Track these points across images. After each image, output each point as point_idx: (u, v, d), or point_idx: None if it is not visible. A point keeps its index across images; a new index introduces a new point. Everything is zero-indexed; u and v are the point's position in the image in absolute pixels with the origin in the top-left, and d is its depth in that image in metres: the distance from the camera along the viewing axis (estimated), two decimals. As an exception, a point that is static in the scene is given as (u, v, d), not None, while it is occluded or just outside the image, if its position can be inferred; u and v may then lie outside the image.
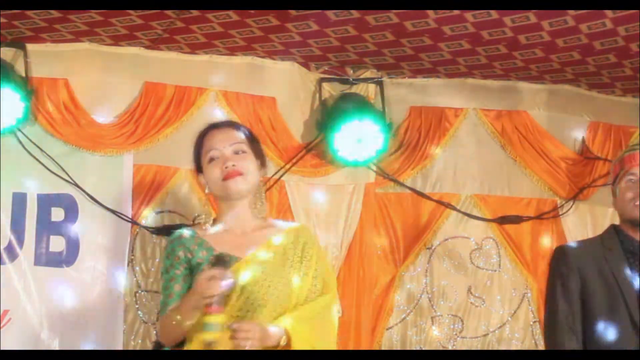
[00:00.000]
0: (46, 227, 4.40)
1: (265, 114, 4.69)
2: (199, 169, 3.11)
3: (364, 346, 4.72)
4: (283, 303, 2.93)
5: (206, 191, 3.08)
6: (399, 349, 4.84)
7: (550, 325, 3.30)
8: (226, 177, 2.97)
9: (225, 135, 3.06)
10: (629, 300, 3.17)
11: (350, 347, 4.64)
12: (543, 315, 3.47)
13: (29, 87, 4.32)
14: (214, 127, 3.13)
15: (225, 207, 3.05)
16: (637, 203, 3.25)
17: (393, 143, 4.86)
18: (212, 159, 3.01)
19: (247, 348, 2.74)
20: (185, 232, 3.03)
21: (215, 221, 3.08)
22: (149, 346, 4.43)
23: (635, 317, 3.16)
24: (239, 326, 2.78)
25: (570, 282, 3.26)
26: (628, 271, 3.21)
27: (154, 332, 4.47)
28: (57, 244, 4.41)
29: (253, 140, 3.12)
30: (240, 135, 3.08)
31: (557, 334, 3.26)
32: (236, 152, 3.02)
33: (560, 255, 3.36)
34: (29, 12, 4.10)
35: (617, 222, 3.51)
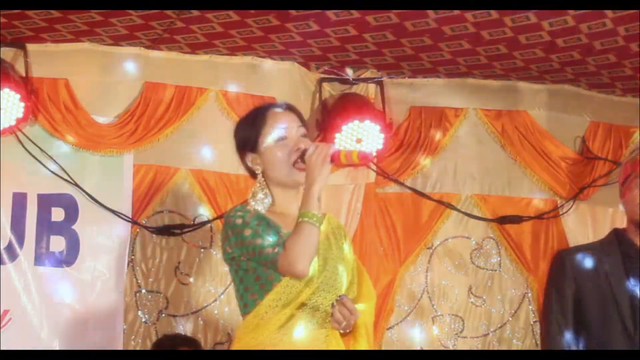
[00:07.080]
0: (46, 227, 4.40)
1: (265, 114, 4.67)
2: (251, 148, 2.91)
3: (364, 346, 4.71)
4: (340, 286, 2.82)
5: (258, 171, 2.88)
6: (399, 349, 4.83)
7: (545, 329, 3.32)
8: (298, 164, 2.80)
9: (293, 116, 2.93)
10: (622, 306, 3.14)
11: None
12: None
13: (29, 87, 4.32)
14: (275, 107, 2.96)
15: (281, 191, 2.89)
16: None
17: (393, 143, 4.86)
18: (282, 138, 2.86)
19: (340, 329, 2.66)
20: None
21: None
22: (149, 346, 4.43)
23: (627, 323, 3.13)
24: (350, 305, 2.67)
25: (565, 289, 3.26)
26: (624, 276, 3.18)
27: (154, 332, 4.47)
28: (57, 244, 4.41)
29: (306, 124, 3.03)
30: (301, 119, 3.00)
31: (549, 338, 3.27)
32: (303, 136, 2.93)
33: (559, 262, 3.35)
34: (29, 12, 4.10)
35: (617, 222, 3.50)
